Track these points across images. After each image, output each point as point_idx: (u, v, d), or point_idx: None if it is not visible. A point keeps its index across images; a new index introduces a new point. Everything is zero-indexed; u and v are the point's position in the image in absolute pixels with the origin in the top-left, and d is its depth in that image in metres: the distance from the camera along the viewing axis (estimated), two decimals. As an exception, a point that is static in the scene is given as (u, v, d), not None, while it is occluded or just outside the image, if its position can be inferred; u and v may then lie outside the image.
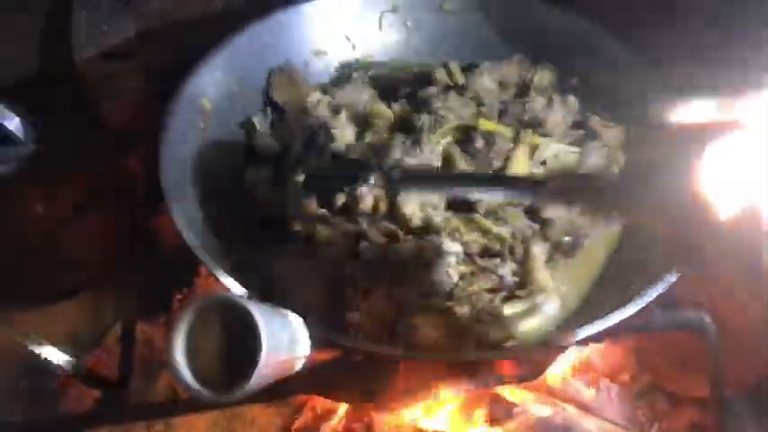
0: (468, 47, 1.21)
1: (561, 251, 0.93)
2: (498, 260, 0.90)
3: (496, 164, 0.98)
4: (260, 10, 1.21)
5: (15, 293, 1.24)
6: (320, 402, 1.16)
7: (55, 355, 0.91)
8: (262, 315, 0.58)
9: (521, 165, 0.98)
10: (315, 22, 1.18)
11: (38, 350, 0.91)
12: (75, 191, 1.21)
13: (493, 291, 0.88)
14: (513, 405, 0.98)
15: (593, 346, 1.20)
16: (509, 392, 1.00)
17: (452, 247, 0.87)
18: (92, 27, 1.35)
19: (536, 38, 1.17)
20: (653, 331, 1.03)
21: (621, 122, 1.07)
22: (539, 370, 0.92)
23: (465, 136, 0.99)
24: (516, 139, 0.99)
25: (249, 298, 0.68)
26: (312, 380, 0.91)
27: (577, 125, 1.08)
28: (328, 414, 1.15)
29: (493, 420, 0.96)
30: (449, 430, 0.97)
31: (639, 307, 0.82)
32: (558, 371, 1.15)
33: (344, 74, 1.20)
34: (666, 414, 1.20)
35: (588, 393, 1.09)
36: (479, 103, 1.05)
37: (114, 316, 1.23)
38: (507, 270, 0.89)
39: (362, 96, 1.09)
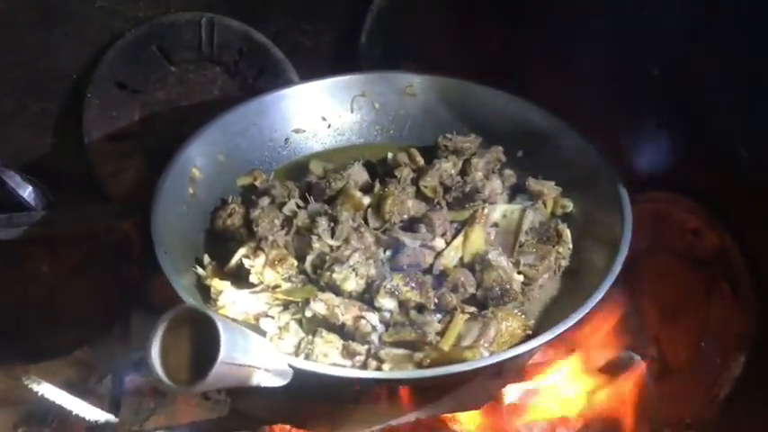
0: (429, 126, 1.38)
1: (492, 299, 1.06)
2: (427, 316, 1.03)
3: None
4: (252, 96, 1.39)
5: (16, 349, 1.36)
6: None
7: (52, 392, 1.02)
8: (223, 325, 0.71)
9: (477, 236, 1.13)
10: (294, 105, 1.36)
11: (36, 388, 1.02)
12: (77, 253, 1.35)
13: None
14: (465, 436, 1.06)
15: (547, 392, 1.29)
16: (460, 425, 1.09)
17: (387, 303, 1.02)
18: (101, 112, 1.54)
19: (486, 117, 1.34)
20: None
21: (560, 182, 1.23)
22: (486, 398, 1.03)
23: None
24: (472, 218, 1.15)
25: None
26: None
27: (519, 189, 1.23)
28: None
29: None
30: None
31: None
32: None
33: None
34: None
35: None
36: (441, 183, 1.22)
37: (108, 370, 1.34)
38: (431, 328, 1.01)
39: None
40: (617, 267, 1.04)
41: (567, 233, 1.17)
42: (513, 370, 1.08)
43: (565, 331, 0.97)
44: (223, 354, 0.70)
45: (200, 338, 0.72)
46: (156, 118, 1.60)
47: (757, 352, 1.16)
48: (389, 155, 1.30)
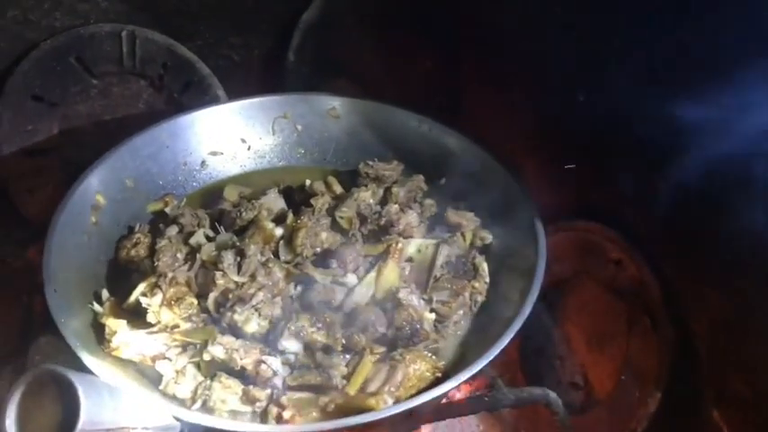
0: (353, 149, 1.34)
1: (402, 339, 1.02)
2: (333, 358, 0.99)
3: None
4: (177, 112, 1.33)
5: None
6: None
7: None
8: (86, 386, 0.66)
9: (391, 271, 1.10)
10: (211, 126, 1.31)
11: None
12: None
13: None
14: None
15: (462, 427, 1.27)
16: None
17: (291, 346, 0.98)
18: (15, 126, 1.47)
19: (410, 143, 1.31)
20: (502, 408, 1.12)
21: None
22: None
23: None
24: (386, 252, 1.11)
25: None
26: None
27: (440, 219, 1.20)
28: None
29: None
30: None
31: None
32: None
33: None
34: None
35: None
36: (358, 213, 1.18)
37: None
38: (337, 372, 0.98)
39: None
40: (528, 305, 1.01)
41: (485, 266, 1.14)
42: (425, 411, 1.05)
43: (476, 373, 0.95)
44: (84, 418, 0.65)
45: (65, 400, 0.67)
46: (78, 132, 1.53)
47: (672, 389, 1.15)
48: (308, 182, 1.25)
